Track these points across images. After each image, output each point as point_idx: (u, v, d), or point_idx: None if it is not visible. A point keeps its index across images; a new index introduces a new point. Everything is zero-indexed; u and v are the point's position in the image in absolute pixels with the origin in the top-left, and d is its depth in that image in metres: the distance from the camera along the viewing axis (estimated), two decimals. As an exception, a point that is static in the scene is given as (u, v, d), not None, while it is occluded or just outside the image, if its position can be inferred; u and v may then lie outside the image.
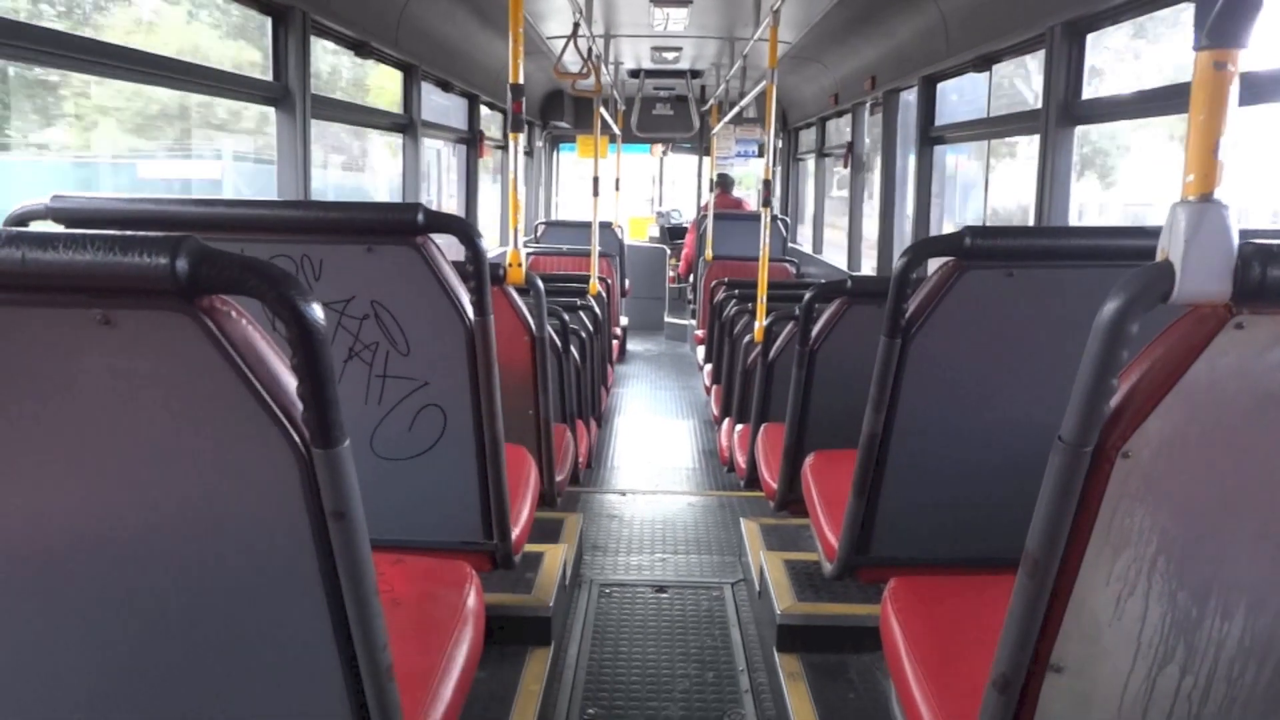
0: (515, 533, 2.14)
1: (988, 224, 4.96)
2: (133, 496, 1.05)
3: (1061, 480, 1.00)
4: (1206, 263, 0.90)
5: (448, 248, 1.89)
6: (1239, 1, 0.87)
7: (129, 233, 0.91)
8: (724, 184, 9.43)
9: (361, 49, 4.15)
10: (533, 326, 2.84)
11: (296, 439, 1.00)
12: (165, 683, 1.14)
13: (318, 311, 0.94)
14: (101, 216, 1.72)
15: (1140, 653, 1.07)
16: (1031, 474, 1.05)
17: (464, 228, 1.83)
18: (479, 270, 1.85)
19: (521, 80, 2.72)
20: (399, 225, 1.78)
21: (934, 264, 1.82)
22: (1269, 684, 1.08)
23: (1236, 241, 0.90)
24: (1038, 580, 1.05)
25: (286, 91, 3.39)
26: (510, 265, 2.85)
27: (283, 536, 1.06)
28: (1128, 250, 1.67)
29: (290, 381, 0.99)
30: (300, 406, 0.98)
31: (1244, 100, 0.92)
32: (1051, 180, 3.40)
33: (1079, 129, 3.49)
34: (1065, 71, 3.38)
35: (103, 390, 1.00)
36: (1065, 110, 3.41)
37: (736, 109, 7.55)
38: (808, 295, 2.84)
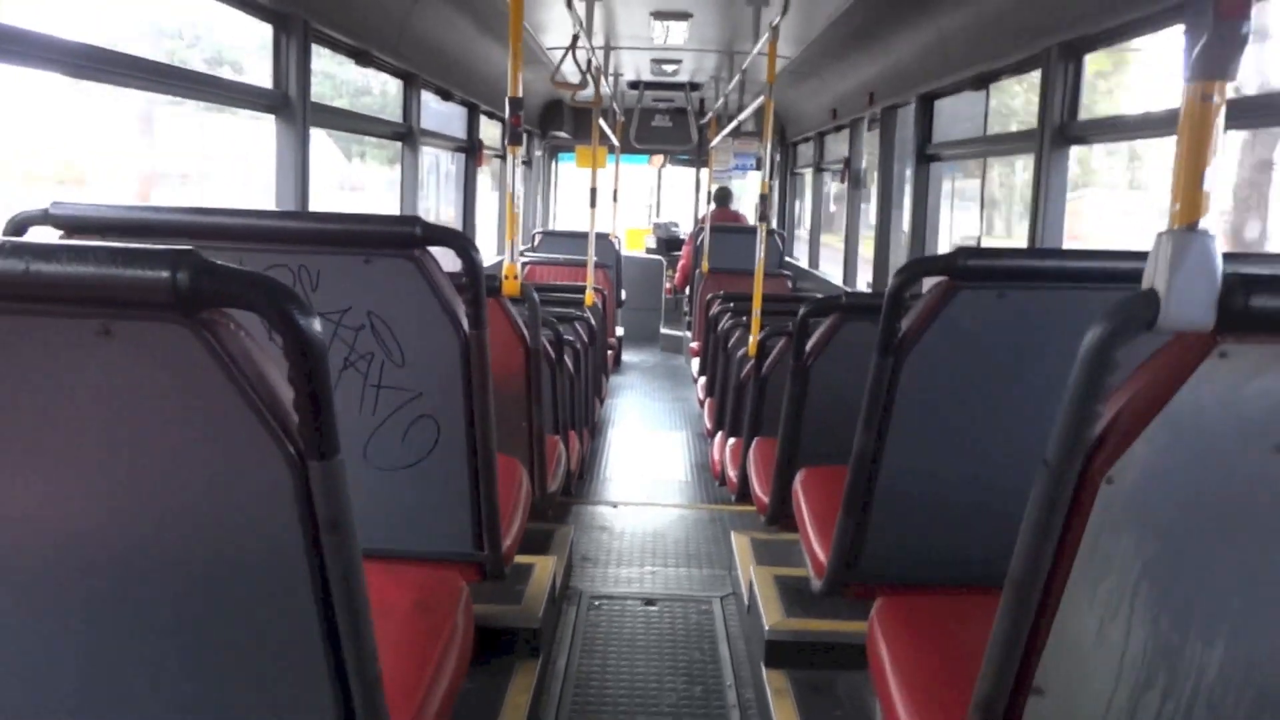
0: (506, 544, 2.14)
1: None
2: (128, 505, 1.06)
3: (1045, 504, 1.01)
4: (1191, 291, 0.91)
5: (444, 257, 1.90)
6: (1225, 35, 0.89)
7: (131, 245, 0.92)
8: (722, 198, 9.44)
9: (362, 57, 4.16)
10: (527, 338, 2.84)
11: (292, 450, 1.01)
12: (155, 689, 1.14)
13: (316, 326, 0.95)
14: (100, 224, 1.72)
15: (1122, 677, 1.08)
16: (1021, 496, 1.05)
17: (461, 242, 1.84)
18: (475, 283, 1.86)
19: (520, 94, 2.73)
20: (397, 238, 1.79)
21: (929, 282, 1.83)
22: (1250, 711, 1.08)
23: (1221, 270, 0.91)
24: (1021, 603, 1.06)
25: (286, 99, 3.40)
26: (506, 277, 2.86)
27: (276, 547, 1.07)
28: (1119, 273, 1.68)
29: (287, 394, 1.00)
30: (296, 419, 0.99)
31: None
32: (1046, 200, 3.42)
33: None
34: (1061, 92, 3.40)
35: (101, 400, 1.00)
36: (1061, 130, 3.43)
37: (735, 123, 7.58)
38: (802, 310, 2.85)
